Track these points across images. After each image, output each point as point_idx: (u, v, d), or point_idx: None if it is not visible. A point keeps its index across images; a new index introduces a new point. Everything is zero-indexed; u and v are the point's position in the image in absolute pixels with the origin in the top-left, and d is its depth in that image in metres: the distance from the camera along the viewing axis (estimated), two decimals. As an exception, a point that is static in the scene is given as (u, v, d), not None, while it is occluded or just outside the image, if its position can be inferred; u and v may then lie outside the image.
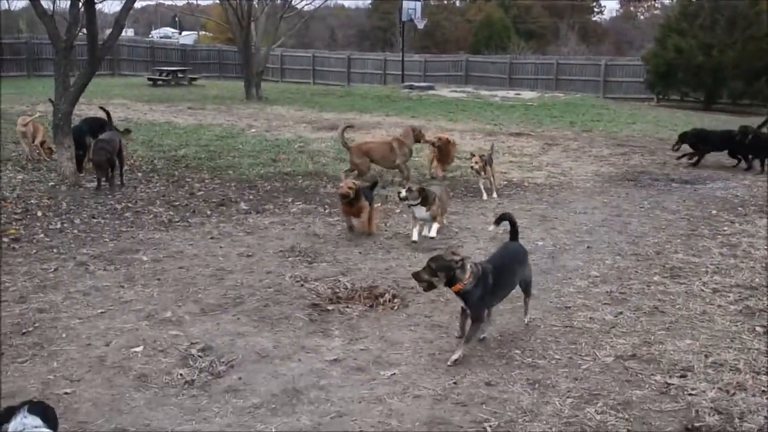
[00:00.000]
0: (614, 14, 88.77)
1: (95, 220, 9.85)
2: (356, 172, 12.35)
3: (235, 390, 5.22)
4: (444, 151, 13.64)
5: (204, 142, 16.96)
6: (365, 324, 6.49)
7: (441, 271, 5.57)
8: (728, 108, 33.97)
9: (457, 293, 5.67)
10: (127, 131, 13.78)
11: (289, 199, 11.32)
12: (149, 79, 39.49)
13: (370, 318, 6.64)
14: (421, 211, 9.06)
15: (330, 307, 6.85)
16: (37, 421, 3.67)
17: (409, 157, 13.12)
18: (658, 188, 13.31)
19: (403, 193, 8.98)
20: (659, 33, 37.62)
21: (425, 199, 9.02)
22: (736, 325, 6.58)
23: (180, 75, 40.48)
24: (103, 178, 11.65)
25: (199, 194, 11.59)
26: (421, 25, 44.59)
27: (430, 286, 5.77)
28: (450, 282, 5.62)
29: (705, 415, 4.94)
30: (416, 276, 5.75)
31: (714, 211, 11.34)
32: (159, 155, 14.96)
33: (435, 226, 9.16)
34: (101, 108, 13.55)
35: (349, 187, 9.08)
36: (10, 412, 3.71)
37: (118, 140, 12.04)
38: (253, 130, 19.86)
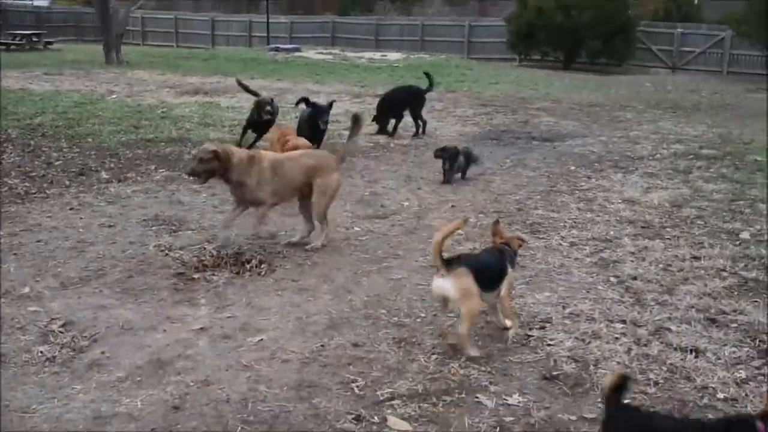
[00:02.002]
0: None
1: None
2: None
3: (98, 364, 5.10)
4: None
5: (62, 109, 16.28)
6: (232, 291, 6.44)
7: None
8: (586, 67, 35.09)
9: None
10: None
11: (152, 167, 11.04)
12: (1, 43, 37.55)
13: (237, 285, 6.59)
14: None
15: (196, 276, 6.75)
16: None
17: None
18: (520, 146, 13.69)
19: None
20: (520, -7, 38.39)
21: None
22: (592, 277, 6.88)
23: (35, 39, 38.70)
24: None
25: (57, 164, 11.16)
26: (285, -14, 44.04)
27: None
28: None
29: (563, 364, 5.16)
30: None
31: (572, 168, 11.76)
32: (13, 124, 14.27)
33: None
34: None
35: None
36: None
37: None
38: (113, 96, 19.23)
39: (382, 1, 55.37)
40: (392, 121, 14.65)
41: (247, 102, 18.00)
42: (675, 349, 5.42)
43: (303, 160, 7.64)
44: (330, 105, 12.13)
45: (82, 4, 54.40)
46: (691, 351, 5.35)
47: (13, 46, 37.04)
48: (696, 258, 7.45)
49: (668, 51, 36.65)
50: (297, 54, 35.36)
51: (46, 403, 4.59)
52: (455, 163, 10.54)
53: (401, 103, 14.65)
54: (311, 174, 7.54)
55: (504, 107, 19.22)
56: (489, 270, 5.38)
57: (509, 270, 5.50)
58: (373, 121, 14.53)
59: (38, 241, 7.69)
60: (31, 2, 62.63)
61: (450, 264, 5.17)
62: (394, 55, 35.81)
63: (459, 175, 10.83)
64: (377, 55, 35.75)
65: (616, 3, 34.71)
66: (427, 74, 15.23)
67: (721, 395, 4.78)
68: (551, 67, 34.91)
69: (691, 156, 12.89)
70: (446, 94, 21.65)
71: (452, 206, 9.31)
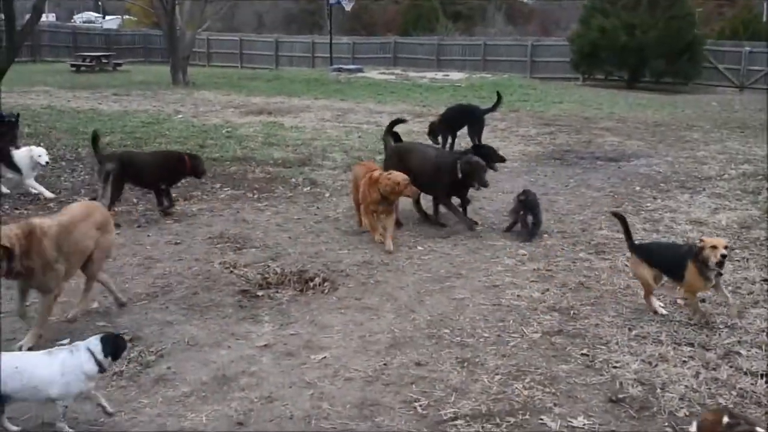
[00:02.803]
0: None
1: (18, 211, 9.62)
2: None
3: (164, 379, 5.18)
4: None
5: (129, 129, 16.65)
6: (295, 309, 6.49)
7: None
8: (650, 86, 34.65)
9: None
10: None
11: (217, 185, 11.19)
12: (72, 65, 38.52)
13: (300, 302, 6.64)
14: None
15: (260, 293, 6.82)
16: (98, 348, 4.51)
17: None
18: (584, 166, 13.55)
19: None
20: (584, 13, 38.11)
21: None
22: (659, 298, 6.75)
23: (104, 60, 39.65)
24: None
25: (125, 182, 11.40)
26: (348, 8, 44.31)
27: None
28: None
29: (629, 387, 5.08)
30: None
31: (637, 188, 11.59)
32: (83, 143, 14.60)
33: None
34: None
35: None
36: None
37: None
38: (179, 116, 19.58)
39: (443, 21, 55.54)
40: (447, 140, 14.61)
41: (310, 122, 18.21)
42: (745, 373, 5.30)
43: (91, 222, 6.04)
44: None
45: (150, 26, 55.61)
46: (762, 376, 5.21)
47: (83, 68, 37.97)
48: (766, 281, 7.27)
49: (735, 70, 35.96)
50: (359, 74, 35.58)
51: (113, 417, 4.67)
52: (538, 213, 8.86)
53: (456, 122, 14.61)
54: (100, 234, 6.15)
55: (567, 127, 19.05)
56: (663, 259, 6.47)
57: (690, 265, 6.09)
58: (428, 135, 14.60)
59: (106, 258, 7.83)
60: (100, 25, 64.38)
61: (632, 249, 6.72)
62: (456, 75, 35.80)
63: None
64: (439, 75, 35.78)
65: (681, 22, 34.26)
66: (498, 94, 15.21)
67: (794, 421, 4.64)
68: (615, 86, 34.53)
69: (760, 177, 12.60)
70: (509, 113, 21.54)
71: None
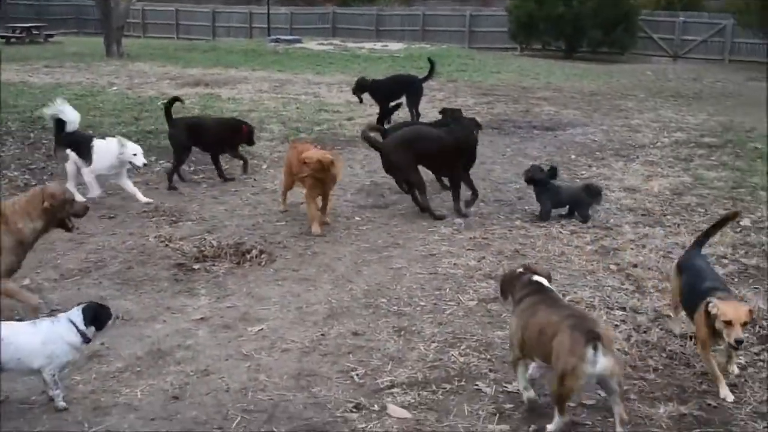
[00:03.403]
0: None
1: None
2: None
3: (98, 355, 5.09)
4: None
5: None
6: (232, 281, 6.45)
7: None
8: (587, 56, 34.98)
9: None
10: None
11: (153, 158, 10.97)
12: (1, 36, 37.48)
13: (237, 275, 6.60)
14: None
15: (196, 266, 6.76)
16: (79, 319, 4.43)
17: None
18: (521, 135, 13.67)
19: None
20: (522, -17, 38.24)
21: None
22: (592, 264, 6.88)
23: (35, 32, 38.57)
24: None
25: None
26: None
27: None
28: None
29: (562, 352, 5.15)
30: None
31: (573, 156, 11.75)
32: (13, 117, 14.24)
33: None
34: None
35: None
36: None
37: None
38: (114, 88, 19.21)
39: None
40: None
41: (248, 94, 18.03)
42: (675, 335, 5.43)
43: None
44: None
45: (82, -4, 54.33)
46: (690, 338, 5.34)
47: (13, 39, 36.93)
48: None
49: (670, 40, 36.49)
50: (298, 45, 35.28)
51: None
52: (542, 190, 8.39)
53: (392, 92, 14.57)
54: None
55: (505, 96, 19.18)
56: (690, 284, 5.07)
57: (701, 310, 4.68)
58: (354, 92, 15.16)
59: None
60: (31, -5, 62.54)
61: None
62: (395, 46, 35.72)
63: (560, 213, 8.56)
64: (378, 46, 35.66)
65: (617, -8, 34.61)
66: (430, 60, 15.21)
67: (720, 381, 4.77)
68: (553, 56, 34.80)
69: (692, 144, 12.88)
70: (447, 83, 21.60)
71: (453, 195, 9.28)
